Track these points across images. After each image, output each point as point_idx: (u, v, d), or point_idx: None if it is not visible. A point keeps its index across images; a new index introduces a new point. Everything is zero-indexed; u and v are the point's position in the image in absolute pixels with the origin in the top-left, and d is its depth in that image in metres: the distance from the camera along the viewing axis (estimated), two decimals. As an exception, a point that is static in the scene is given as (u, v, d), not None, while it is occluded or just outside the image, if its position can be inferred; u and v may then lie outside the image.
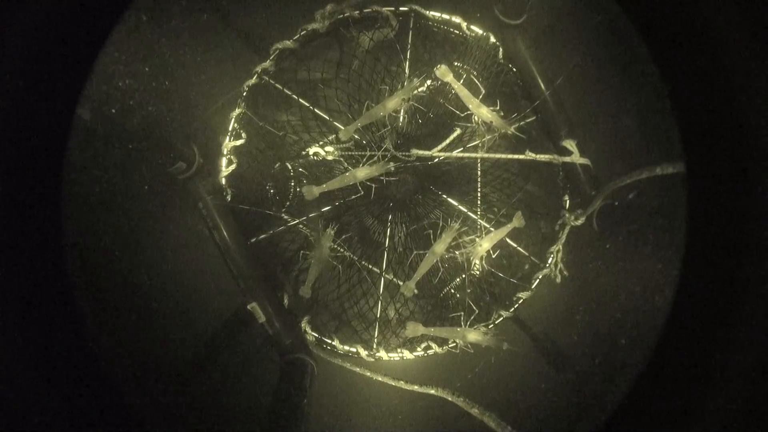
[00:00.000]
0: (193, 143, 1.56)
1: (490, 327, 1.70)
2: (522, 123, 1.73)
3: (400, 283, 1.75)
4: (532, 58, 1.65)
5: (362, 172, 1.62)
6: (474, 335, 1.61)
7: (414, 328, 1.64)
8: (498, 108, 1.63)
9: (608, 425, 1.05)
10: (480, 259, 1.72)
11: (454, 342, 1.67)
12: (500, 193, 1.85)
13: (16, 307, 0.94)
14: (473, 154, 1.73)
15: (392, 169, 1.63)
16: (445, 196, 1.81)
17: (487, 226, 1.76)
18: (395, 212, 1.82)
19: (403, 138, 1.79)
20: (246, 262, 1.60)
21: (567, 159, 1.64)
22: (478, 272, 1.79)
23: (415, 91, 1.62)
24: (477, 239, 1.67)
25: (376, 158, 1.64)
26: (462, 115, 1.66)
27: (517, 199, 1.83)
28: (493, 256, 1.74)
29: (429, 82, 1.70)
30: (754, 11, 0.91)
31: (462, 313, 1.68)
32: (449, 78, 1.60)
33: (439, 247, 1.63)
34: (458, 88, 1.60)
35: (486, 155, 1.73)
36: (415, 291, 1.69)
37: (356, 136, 1.74)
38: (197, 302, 1.71)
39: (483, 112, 1.62)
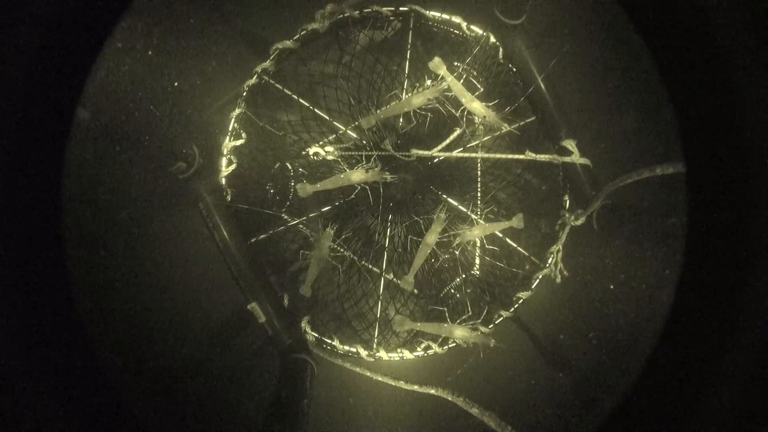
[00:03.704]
0: (193, 143, 1.56)
1: (490, 327, 1.70)
2: (522, 123, 1.73)
3: (400, 282, 1.75)
4: (532, 58, 1.65)
5: (357, 176, 1.62)
6: (461, 331, 1.61)
7: (401, 322, 1.65)
8: (492, 104, 1.63)
9: (608, 425, 1.05)
10: (474, 249, 1.72)
11: (454, 342, 1.67)
12: (500, 193, 1.85)
13: (16, 308, 0.94)
14: (473, 154, 1.73)
15: (388, 179, 1.63)
16: (445, 196, 1.81)
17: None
18: (395, 212, 1.82)
19: (403, 138, 1.79)
20: (246, 262, 1.60)
21: (567, 159, 1.64)
22: (478, 272, 1.80)
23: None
24: (469, 226, 1.68)
25: (373, 160, 1.64)
26: (456, 114, 1.66)
27: (516, 194, 1.83)
28: (487, 246, 1.74)
29: (429, 81, 1.70)
30: (754, 11, 0.91)
31: (445, 308, 1.68)
32: (442, 71, 1.60)
33: (431, 238, 1.64)
34: (452, 82, 1.60)
35: (486, 155, 1.73)
36: (415, 291, 1.68)
37: (354, 135, 1.74)
38: (197, 302, 1.72)
39: (476, 107, 1.61)
